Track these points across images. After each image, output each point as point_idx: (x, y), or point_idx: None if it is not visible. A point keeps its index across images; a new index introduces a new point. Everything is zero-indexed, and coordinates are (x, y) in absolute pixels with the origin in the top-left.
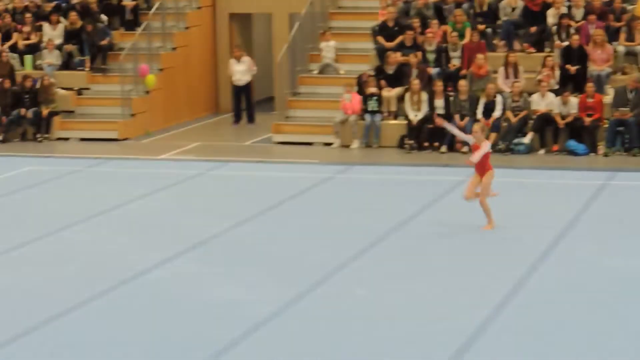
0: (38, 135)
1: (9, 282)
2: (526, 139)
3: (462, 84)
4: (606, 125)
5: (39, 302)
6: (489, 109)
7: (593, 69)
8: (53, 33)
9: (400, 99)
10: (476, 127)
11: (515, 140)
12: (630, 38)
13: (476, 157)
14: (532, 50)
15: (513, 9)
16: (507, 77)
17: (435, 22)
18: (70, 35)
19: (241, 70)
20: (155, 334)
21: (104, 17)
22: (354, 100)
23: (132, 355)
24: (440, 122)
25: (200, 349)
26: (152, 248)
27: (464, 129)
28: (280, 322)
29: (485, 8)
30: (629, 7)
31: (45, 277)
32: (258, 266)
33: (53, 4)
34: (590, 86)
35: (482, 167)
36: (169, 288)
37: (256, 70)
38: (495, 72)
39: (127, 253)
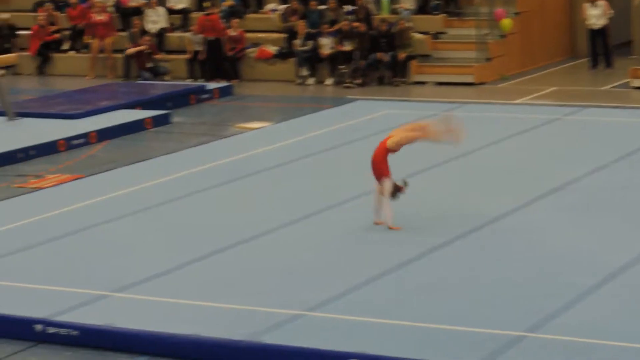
0: (394, 79)
1: (356, 226)
2: None
3: None
4: None
5: (394, 248)
6: None
7: None
8: None
9: None
10: None
11: None
12: None
13: None
14: None
15: None
16: None
17: None
18: None
19: (596, 14)
20: (505, 278)
21: None
22: None
23: (480, 295)
24: None
25: (554, 295)
26: (505, 193)
27: None
28: (635, 273)
29: None
30: None
31: (399, 223)
32: (613, 213)
33: None
34: None
35: None
36: (520, 234)
37: (612, 13)
38: None
39: (480, 198)
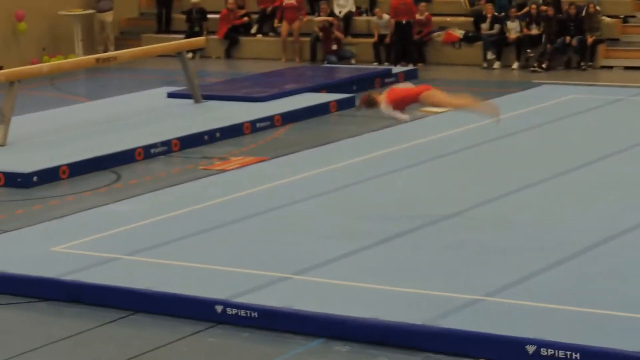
0: (582, 64)
1: (546, 210)
2: None
3: None
4: None
5: (576, 232)
6: None
7: None
8: None
9: None
10: None
11: None
12: None
13: None
14: None
15: None
16: None
17: None
18: None
19: None
20: None
21: None
22: None
23: None
24: None
25: None
26: None
27: None
28: None
29: None
30: None
31: (583, 207)
32: None
33: None
34: None
35: None
36: None
37: None
38: None
39: None
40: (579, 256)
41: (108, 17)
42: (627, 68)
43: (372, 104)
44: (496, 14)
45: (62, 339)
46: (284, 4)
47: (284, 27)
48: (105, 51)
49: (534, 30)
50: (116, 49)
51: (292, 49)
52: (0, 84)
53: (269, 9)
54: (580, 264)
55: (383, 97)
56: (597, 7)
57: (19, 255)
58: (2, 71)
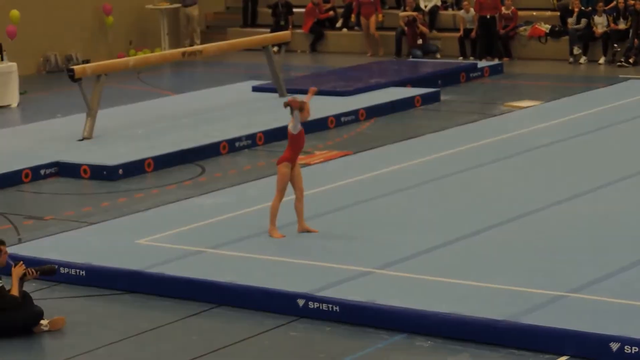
0: None
1: (632, 207)
2: None
3: None
4: None
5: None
6: None
7: None
8: None
9: None
10: None
11: None
12: None
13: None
14: None
15: None
16: None
17: None
18: None
19: None
20: None
21: None
22: None
23: None
24: None
25: None
26: None
27: None
28: None
29: None
30: None
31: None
32: None
33: None
34: None
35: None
36: None
37: None
38: None
39: None
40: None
41: (194, 10)
42: None
43: (299, 108)
44: (583, 8)
45: (146, 330)
46: None
47: (363, 22)
48: (191, 45)
49: (622, 25)
50: (202, 43)
51: (376, 43)
52: (87, 78)
53: (355, 2)
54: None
55: (304, 112)
56: None
57: (105, 248)
58: (89, 65)
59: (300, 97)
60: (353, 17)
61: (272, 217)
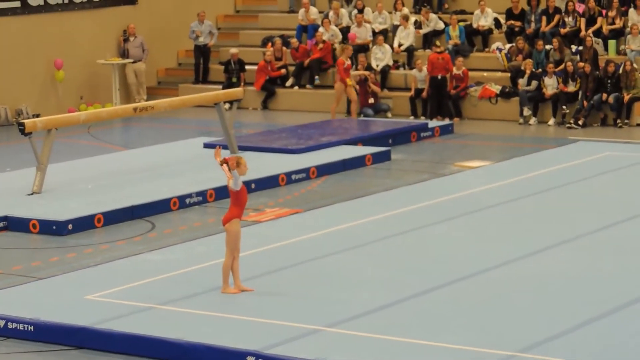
0: (618, 121)
1: (580, 267)
2: None
3: None
4: None
5: (610, 288)
6: None
7: None
8: (638, 18)
9: None
10: None
11: None
12: None
13: None
14: None
15: None
16: None
17: None
18: None
19: None
20: None
21: None
22: None
23: None
24: None
25: None
26: None
27: None
28: None
29: None
30: None
31: (616, 265)
32: None
33: None
34: None
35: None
36: None
37: None
38: None
39: None
40: (612, 314)
41: (141, 66)
42: None
43: (236, 164)
44: (534, 70)
45: None
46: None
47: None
48: (139, 100)
49: (571, 87)
50: (154, 99)
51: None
52: (37, 132)
53: (306, 61)
54: (612, 322)
55: (241, 166)
56: (634, 65)
57: (54, 303)
58: (40, 119)
59: (236, 155)
60: (337, 79)
61: (225, 277)
